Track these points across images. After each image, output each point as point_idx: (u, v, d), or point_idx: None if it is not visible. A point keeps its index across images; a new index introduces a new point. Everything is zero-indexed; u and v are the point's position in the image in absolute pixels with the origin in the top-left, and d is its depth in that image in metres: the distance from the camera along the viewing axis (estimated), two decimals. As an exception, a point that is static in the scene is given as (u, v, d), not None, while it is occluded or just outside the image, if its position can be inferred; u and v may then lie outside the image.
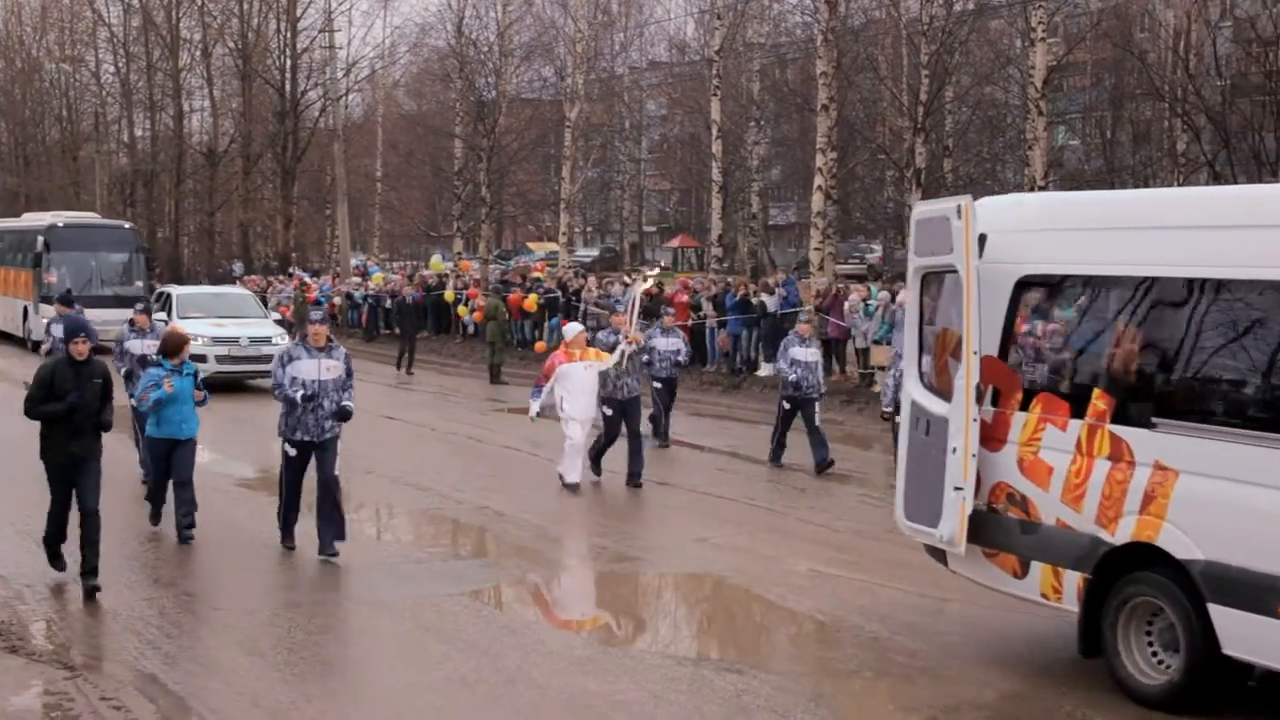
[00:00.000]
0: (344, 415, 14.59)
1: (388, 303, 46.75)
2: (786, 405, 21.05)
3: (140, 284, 40.48)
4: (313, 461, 14.61)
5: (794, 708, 10.02)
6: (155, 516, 15.76)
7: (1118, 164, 47.64)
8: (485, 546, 16.22)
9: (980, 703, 10.23)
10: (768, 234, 66.26)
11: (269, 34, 69.18)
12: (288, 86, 66.50)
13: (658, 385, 22.80)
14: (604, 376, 19.09)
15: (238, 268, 62.64)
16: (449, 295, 44.31)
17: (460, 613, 12.43)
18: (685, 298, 34.62)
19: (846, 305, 30.37)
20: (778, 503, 18.52)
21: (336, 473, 14.57)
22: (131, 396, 16.74)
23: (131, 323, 19.23)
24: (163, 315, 30.35)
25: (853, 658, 11.41)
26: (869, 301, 30.11)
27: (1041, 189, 36.48)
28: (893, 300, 28.82)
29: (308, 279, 53.28)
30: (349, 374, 14.72)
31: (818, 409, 21.14)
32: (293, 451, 14.64)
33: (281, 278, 54.90)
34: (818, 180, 38.40)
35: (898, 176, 45.83)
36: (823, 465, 20.59)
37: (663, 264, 24.41)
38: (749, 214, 60.28)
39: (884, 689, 10.65)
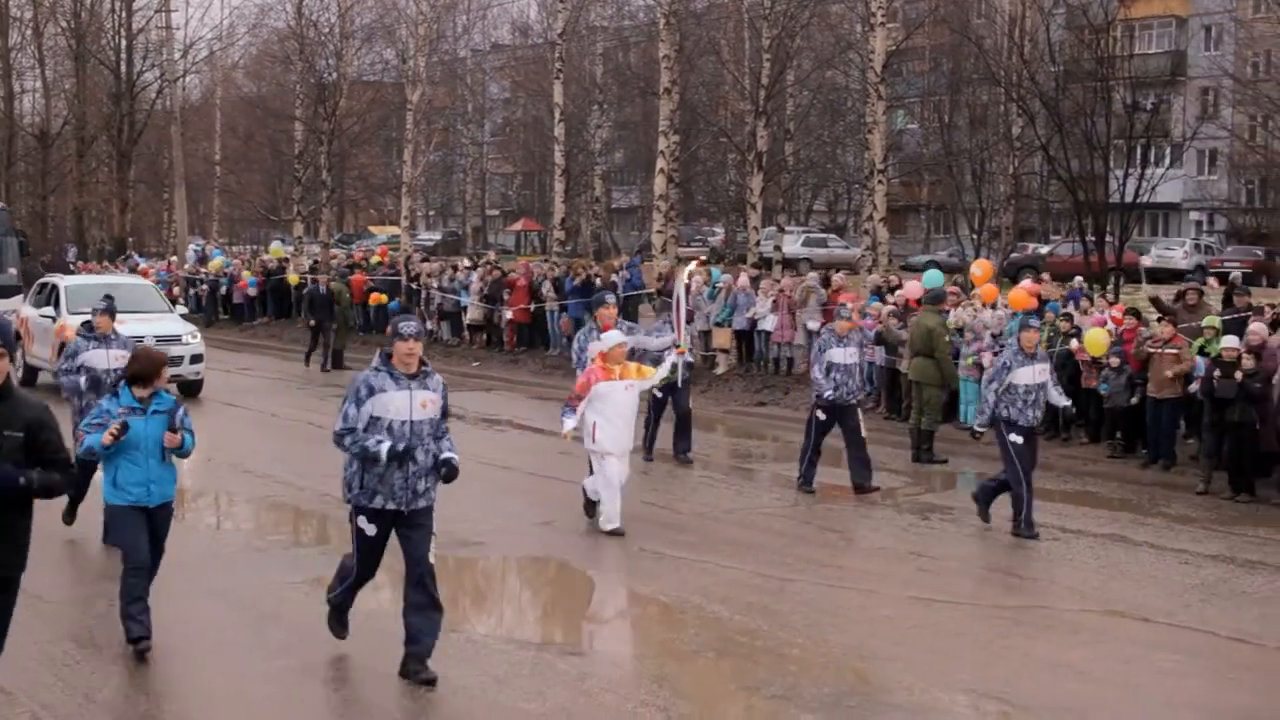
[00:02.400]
0: (449, 474, 10.12)
1: (223, 288, 46.22)
2: (821, 415, 17.91)
3: (14, 271, 35.15)
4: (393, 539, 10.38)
5: (637, 689, 10.03)
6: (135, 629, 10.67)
7: (955, 147, 48.29)
8: (327, 534, 15.97)
9: (821, 680, 10.31)
10: (611, 217, 66.42)
11: (103, 13, 67.67)
12: (123, 68, 65.23)
13: (657, 394, 19.69)
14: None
15: (72, 253, 61.27)
16: (292, 279, 43.71)
17: (302, 600, 12.23)
18: (525, 282, 34.54)
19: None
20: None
21: (432, 559, 10.23)
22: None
23: (89, 326, 15.04)
24: (50, 311, 27.85)
25: (695, 638, 11.44)
26: (711, 285, 30.25)
27: (880, 172, 36.94)
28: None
29: (143, 264, 52.28)
30: (444, 412, 10.24)
31: (861, 418, 18.28)
32: (371, 529, 10.16)
33: (118, 262, 53.84)
34: (660, 163, 38.54)
35: (739, 159, 46.15)
36: (863, 488, 17.95)
37: (701, 258, 23.23)
38: (592, 197, 60.38)
39: (726, 669, 10.68)
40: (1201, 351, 19.39)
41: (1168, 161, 50.24)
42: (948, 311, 22.94)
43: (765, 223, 45.14)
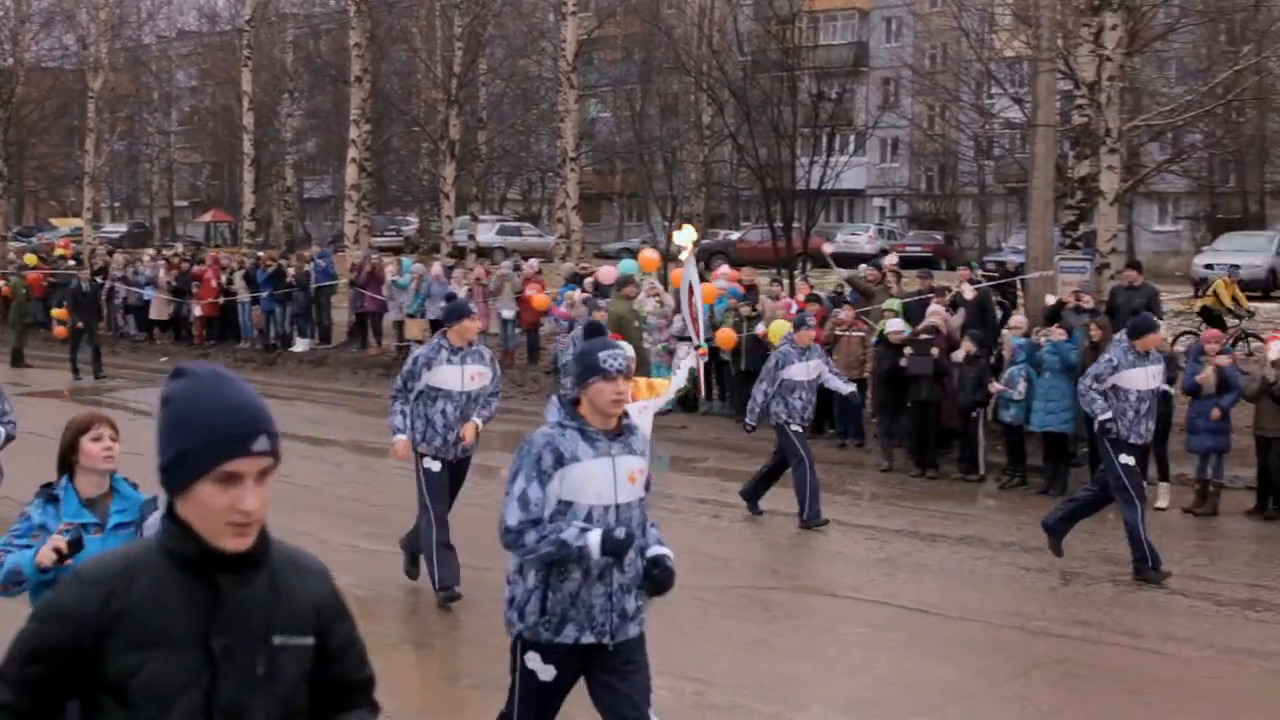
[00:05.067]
0: (661, 581, 6.74)
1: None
2: (799, 428, 16.09)
3: None
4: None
5: (332, 686, 9.87)
6: None
7: (647, 135, 48.82)
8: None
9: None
10: (303, 207, 65.41)
11: None
12: None
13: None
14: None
15: None
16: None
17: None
18: (214, 274, 33.78)
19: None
20: (315, 479, 18.22)
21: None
22: None
23: None
24: None
25: (393, 631, 11.34)
26: (403, 275, 29.99)
27: (573, 160, 37.13)
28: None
29: None
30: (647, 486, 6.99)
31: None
32: (549, 673, 6.70)
33: None
34: (352, 153, 38.01)
35: (432, 149, 45.83)
36: (753, 505, 16.39)
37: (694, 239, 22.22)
38: (283, 187, 59.43)
39: (427, 661, 10.63)
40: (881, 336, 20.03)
41: (851, 149, 51.65)
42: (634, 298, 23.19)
43: (459, 212, 45.00)
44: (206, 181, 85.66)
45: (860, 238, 54.58)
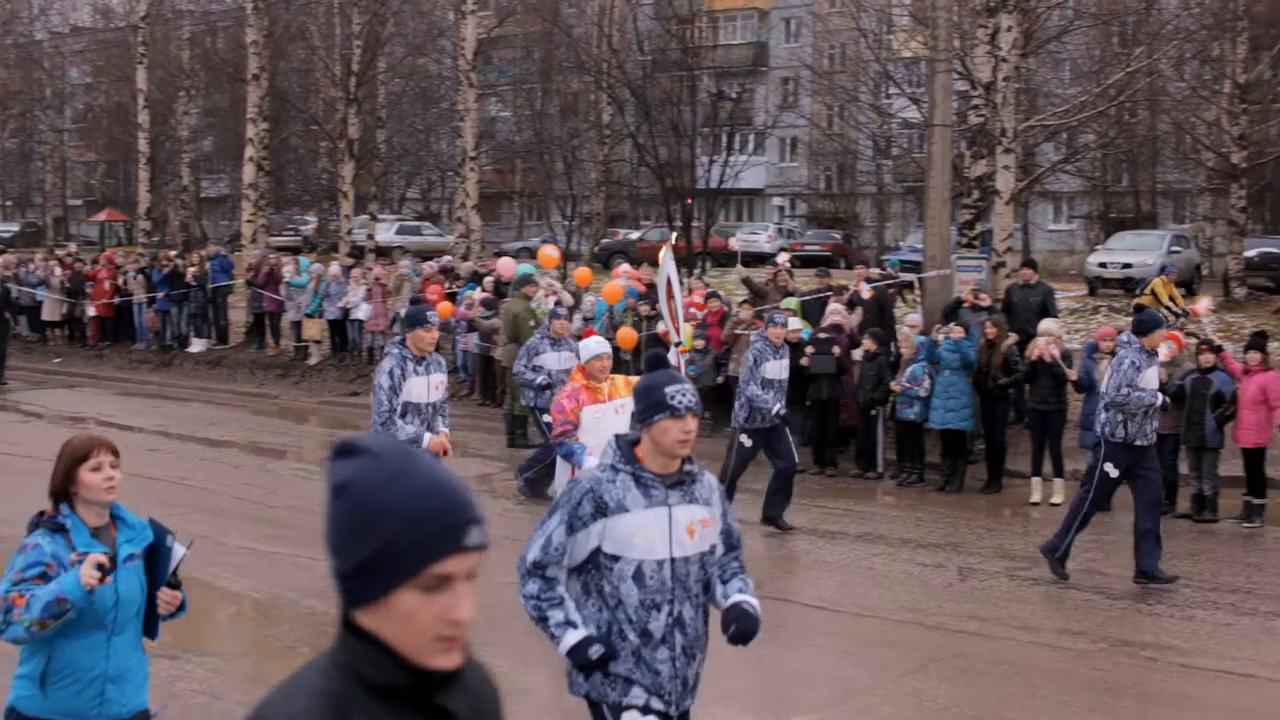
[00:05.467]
0: (743, 631, 6.26)
1: None
2: (748, 442, 15.65)
3: None
4: None
5: (229, 689, 9.79)
6: None
7: (547, 135, 48.78)
8: None
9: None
10: (200, 206, 64.69)
11: None
12: None
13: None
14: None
15: None
16: None
17: None
18: (108, 274, 33.35)
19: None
20: (212, 481, 18.07)
21: None
22: None
23: None
24: None
25: (290, 633, 11.26)
26: (301, 275, 29.75)
27: (473, 159, 37.02)
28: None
29: None
30: (730, 539, 6.49)
31: (791, 438, 15.95)
32: None
33: None
34: (249, 151, 37.70)
35: (331, 147, 45.51)
36: (775, 521, 15.68)
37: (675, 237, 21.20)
38: (180, 186, 58.68)
39: (322, 663, 10.53)
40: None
41: (751, 149, 51.87)
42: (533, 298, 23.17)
43: (358, 211, 44.73)
44: (101, 180, 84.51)
45: (760, 237, 54.84)
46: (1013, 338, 18.52)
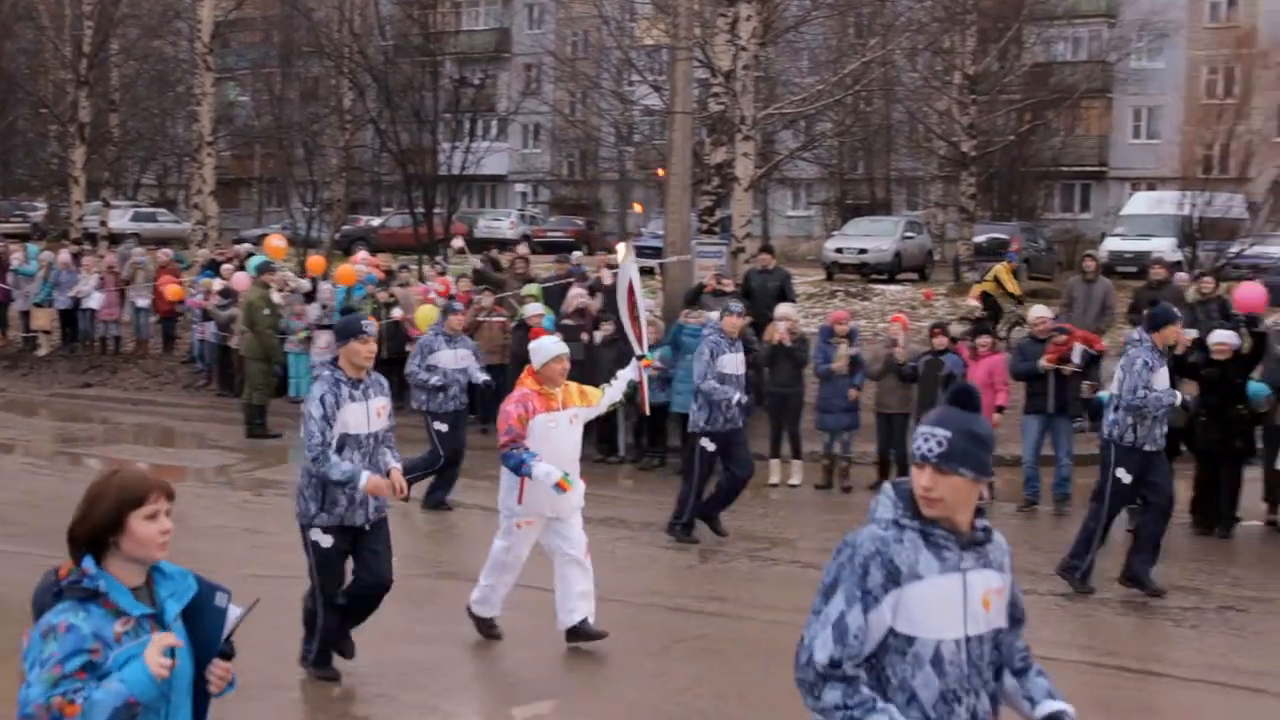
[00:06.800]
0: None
1: None
2: (711, 446, 14.64)
3: None
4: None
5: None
6: None
7: (287, 120, 47.97)
8: None
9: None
10: (-77, 193, 62.17)
11: None
12: None
13: (441, 427, 15.96)
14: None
15: None
16: None
17: None
18: None
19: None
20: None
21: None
22: None
23: None
24: None
25: (16, 636, 10.83)
26: (29, 263, 28.79)
27: (210, 144, 36.27)
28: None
29: None
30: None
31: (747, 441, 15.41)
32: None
33: None
34: (-26, 135, 36.36)
35: (61, 131, 44.11)
36: (716, 526, 14.98)
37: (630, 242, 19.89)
38: (-101, 171, 56.35)
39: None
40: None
41: (493, 135, 51.76)
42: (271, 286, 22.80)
43: (90, 197, 43.45)
44: None
45: (502, 223, 54.85)
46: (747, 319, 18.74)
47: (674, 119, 23.27)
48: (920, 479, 4.58)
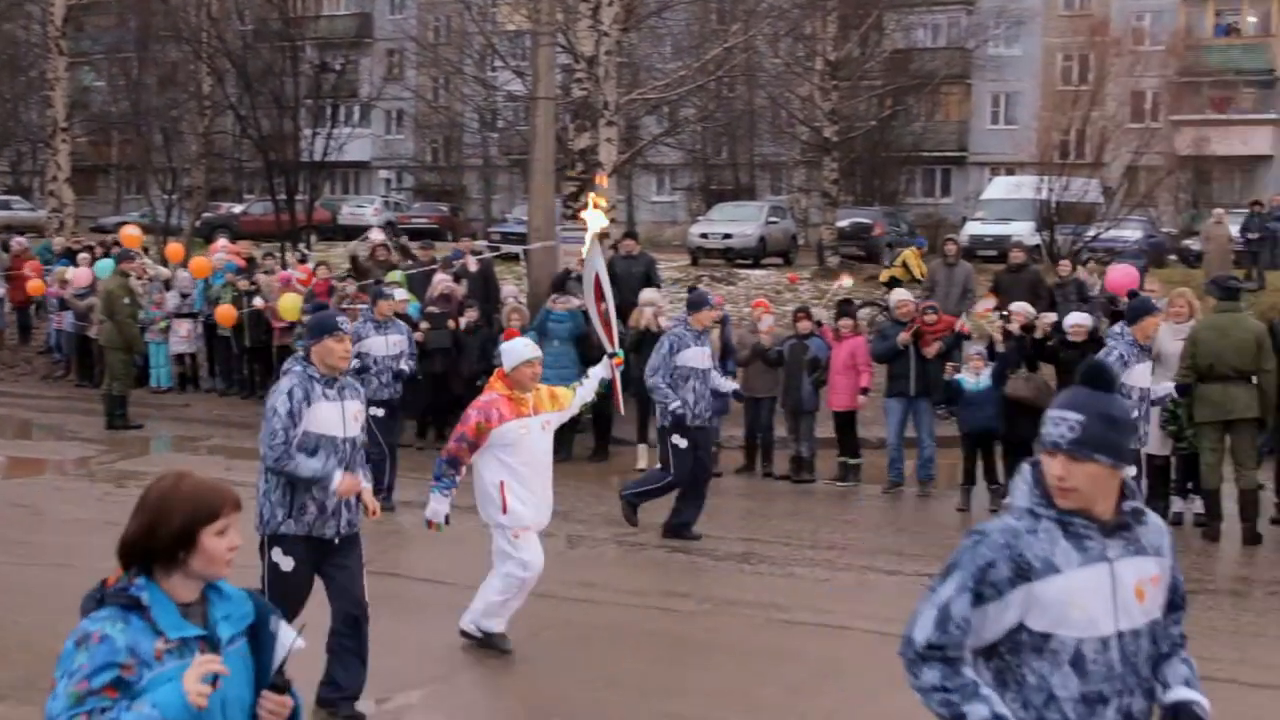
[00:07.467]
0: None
1: None
2: (683, 443, 14.03)
3: None
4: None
5: None
6: None
7: (144, 106, 47.21)
8: None
9: (15, 664, 9.83)
10: None
11: None
12: None
13: (378, 413, 14.99)
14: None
15: None
16: None
17: None
18: None
19: None
20: None
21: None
22: None
23: None
24: None
25: None
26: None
27: (64, 131, 35.64)
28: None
29: None
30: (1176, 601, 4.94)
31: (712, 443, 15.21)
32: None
33: None
34: None
35: (-91, 118, 43.14)
36: (686, 531, 14.29)
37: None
38: None
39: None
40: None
41: (356, 121, 51.33)
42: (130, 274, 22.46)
43: (-58, 185, 42.64)
44: None
45: (366, 210, 54.42)
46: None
47: (537, 105, 23.24)
48: (1053, 468, 4.27)
